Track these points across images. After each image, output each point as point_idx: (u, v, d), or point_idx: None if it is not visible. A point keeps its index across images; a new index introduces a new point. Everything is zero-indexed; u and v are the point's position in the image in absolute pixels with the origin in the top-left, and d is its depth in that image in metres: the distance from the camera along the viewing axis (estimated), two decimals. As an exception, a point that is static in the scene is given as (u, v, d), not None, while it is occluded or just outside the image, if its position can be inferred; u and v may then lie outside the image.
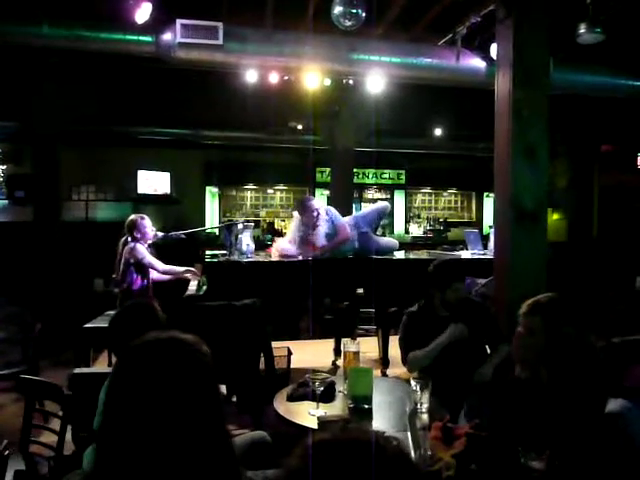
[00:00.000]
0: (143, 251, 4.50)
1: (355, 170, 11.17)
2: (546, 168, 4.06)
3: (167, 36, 5.06)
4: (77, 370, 3.05)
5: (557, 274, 4.33)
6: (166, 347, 1.15)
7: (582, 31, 5.04)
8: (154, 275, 4.63)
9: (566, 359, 1.85)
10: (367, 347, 4.96)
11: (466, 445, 1.73)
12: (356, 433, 0.88)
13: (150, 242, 4.70)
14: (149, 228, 4.64)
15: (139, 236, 4.55)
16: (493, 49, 4.86)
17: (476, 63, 5.73)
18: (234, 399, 4.08)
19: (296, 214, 5.15)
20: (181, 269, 4.69)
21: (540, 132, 4.00)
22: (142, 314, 2.18)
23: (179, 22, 4.97)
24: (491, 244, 5.18)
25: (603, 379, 1.79)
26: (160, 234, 4.90)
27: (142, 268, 4.50)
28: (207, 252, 5.37)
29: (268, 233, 11.03)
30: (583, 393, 1.73)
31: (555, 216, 11.33)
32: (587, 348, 1.88)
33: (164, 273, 4.60)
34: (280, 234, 10.81)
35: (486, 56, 5.58)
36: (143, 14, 4.73)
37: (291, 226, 5.22)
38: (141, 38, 5.09)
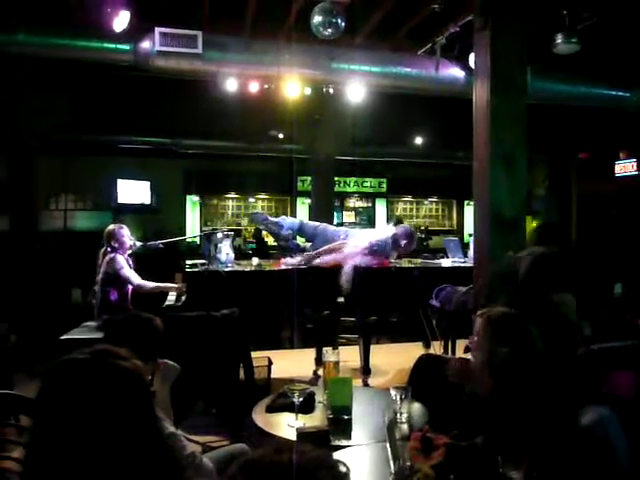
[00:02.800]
0: (122, 262, 4.42)
1: (336, 179, 11.21)
2: (524, 176, 4.09)
3: (146, 44, 5.03)
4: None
5: (535, 282, 4.35)
6: (91, 363, 1.14)
7: (558, 41, 5.12)
8: (132, 287, 4.55)
9: (508, 373, 1.87)
10: (348, 356, 4.94)
11: (445, 455, 1.72)
12: (287, 456, 0.84)
13: (129, 252, 4.63)
14: (127, 237, 4.57)
15: (117, 246, 4.48)
16: (471, 59, 4.90)
17: (455, 72, 5.78)
18: (214, 411, 4.03)
19: (389, 233, 5.03)
20: (153, 285, 4.59)
21: (518, 140, 4.03)
22: (140, 326, 2.14)
23: (158, 30, 4.96)
24: (471, 252, 5.20)
25: (566, 389, 1.79)
26: (138, 244, 4.83)
27: (120, 279, 4.43)
28: (188, 262, 5.32)
29: (253, 238, 10.98)
30: (536, 404, 1.73)
31: (534, 224, 11.45)
32: (534, 362, 1.89)
33: (138, 288, 4.49)
34: (264, 243, 10.78)
35: (465, 65, 5.63)
36: (121, 22, 4.70)
37: (381, 236, 5.04)
38: (119, 46, 5.06)
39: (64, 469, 1.05)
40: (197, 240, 10.24)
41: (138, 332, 2.10)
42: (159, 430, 1.20)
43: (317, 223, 5.37)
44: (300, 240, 5.27)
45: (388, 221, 13.01)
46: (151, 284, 4.58)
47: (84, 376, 1.11)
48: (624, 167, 10.05)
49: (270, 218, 5.14)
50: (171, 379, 2.25)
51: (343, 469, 0.87)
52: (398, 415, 2.29)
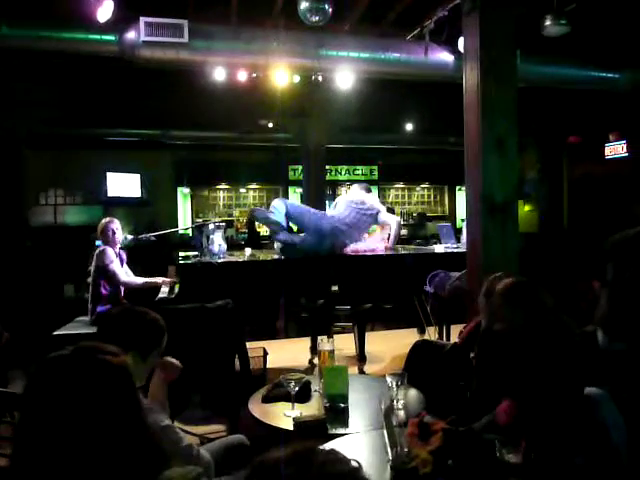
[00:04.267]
0: (111, 256, 4.39)
1: (328, 167, 11.16)
2: (516, 160, 4.08)
3: (131, 35, 4.96)
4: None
5: (529, 265, 4.37)
6: (74, 359, 1.16)
7: (547, 23, 5.09)
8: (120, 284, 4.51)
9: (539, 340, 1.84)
10: (343, 344, 4.95)
11: (442, 441, 1.72)
12: (311, 467, 0.82)
13: (120, 245, 4.61)
14: (118, 230, 4.54)
15: (107, 239, 4.46)
16: (460, 43, 4.87)
17: (444, 57, 5.75)
18: (209, 402, 4.02)
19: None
20: (142, 280, 4.57)
21: (509, 124, 4.02)
22: (132, 319, 2.12)
23: (143, 20, 4.89)
24: (464, 237, 5.20)
25: (579, 364, 1.78)
26: (130, 237, 4.80)
27: (108, 273, 4.40)
28: (180, 254, 5.29)
29: (245, 228, 10.97)
30: (554, 376, 1.72)
31: (526, 208, 11.48)
32: (562, 331, 1.87)
33: (124, 285, 4.47)
34: (257, 233, 10.75)
35: (454, 50, 5.60)
36: (105, 13, 4.62)
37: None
38: (104, 37, 4.99)
39: (50, 463, 1.07)
40: (189, 232, 10.21)
41: (132, 325, 2.07)
42: (143, 421, 1.20)
43: (300, 209, 5.15)
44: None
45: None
46: (139, 280, 4.55)
47: (68, 372, 1.13)
48: (614, 149, 10.07)
49: (270, 216, 4.90)
50: (172, 376, 2.21)
51: (355, 464, 0.86)
52: (395, 402, 2.30)
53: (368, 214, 5.12)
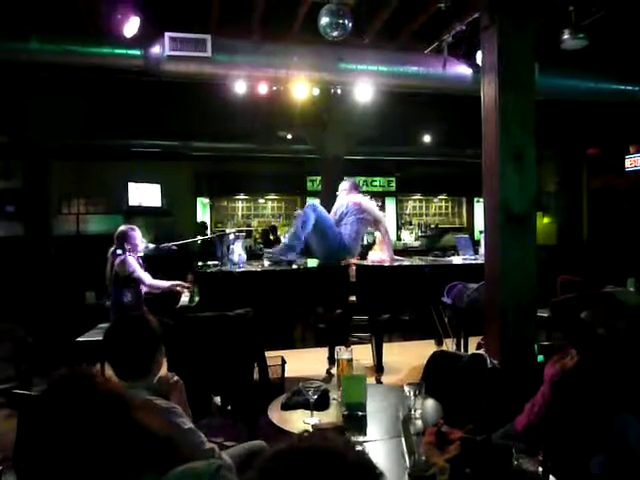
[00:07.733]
0: (133, 264, 4.48)
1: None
2: (534, 172, 4.08)
3: (156, 49, 5.08)
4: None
5: (548, 277, 4.35)
6: (66, 387, 1.20)
7: (566, 37, 5.11)
8: (145, 287, 4.60)
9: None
10: (361, 355, 4.96)
11: (460, 449, 1.74)
12: (313, 442, 0.86)
13: (141, 254, 4.69)
14: (139, 239, 4.62)
15: (129, 247, 4.53)
16: (479, 56, 4.91)
17: (462, 70, 5.79)
18: (229, 407, 4.07)
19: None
20: (168, 283, 4.67)
21: (527, 137, 4.03)
22: (136, 327, 2.16)
23: (167, 35, 5.00)
24: (482, 249, 5.20)
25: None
26: (151, 246, 4.89)
27: (132, 281, 4.48)
28: (199, 263, 5.37)
29: (261, 239, 11.05)
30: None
31: (545, 220, 11.42)
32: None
33: (150, 287, 4.57)
34: (272, 244, 10.81)
35: (472, 63, 5.63)
36: (131, 28, 4.76)
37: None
38: (130, 52, 5.10)
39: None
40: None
41: (132, 333, 2.11)
42: (139, 441, 1.24)
43: (324, 225, 5.06)
44: None
45: (397, 219, 13.07)
46: (165, 283, 4.65)
47: (59, 409, 1.17)
48: (634, 161, 10.00)
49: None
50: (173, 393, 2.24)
51: (360, 447, 0.90)
52: (412, 411, 2.32)
53: (366, 221, 5.20)
